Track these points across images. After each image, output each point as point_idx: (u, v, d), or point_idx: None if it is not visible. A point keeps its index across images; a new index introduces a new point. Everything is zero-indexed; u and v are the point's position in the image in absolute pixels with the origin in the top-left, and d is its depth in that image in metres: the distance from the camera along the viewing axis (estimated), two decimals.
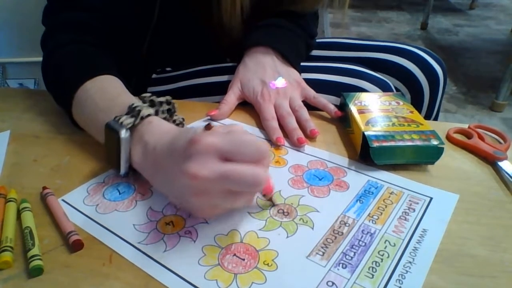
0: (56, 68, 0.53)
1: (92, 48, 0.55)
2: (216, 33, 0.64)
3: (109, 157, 0.43)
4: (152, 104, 0.44)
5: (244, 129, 0.36)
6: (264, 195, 0.40)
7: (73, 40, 0.54)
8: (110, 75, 0.50)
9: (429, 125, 0.49)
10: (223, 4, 0.60)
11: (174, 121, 0.47)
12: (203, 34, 0.67)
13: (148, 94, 0.45)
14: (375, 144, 0.46)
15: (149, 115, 0.41)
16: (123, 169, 0.42)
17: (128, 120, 0.40)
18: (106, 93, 0.47)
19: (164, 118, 0.45)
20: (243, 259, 0.35)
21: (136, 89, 0.50)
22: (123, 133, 0.40)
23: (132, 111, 0.42)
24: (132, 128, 0.41)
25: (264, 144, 0.35)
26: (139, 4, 0.61)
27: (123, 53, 0.59)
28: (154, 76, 0.72)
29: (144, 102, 0.44)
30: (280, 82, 0.58)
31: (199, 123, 0.57)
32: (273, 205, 0.41)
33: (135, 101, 0.43)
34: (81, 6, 0.56)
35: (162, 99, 0.45)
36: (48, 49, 0.55)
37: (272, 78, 0.59)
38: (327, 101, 0.59)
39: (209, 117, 0.57)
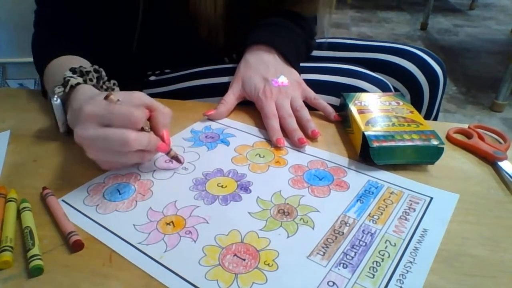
0: (34, 51, 0.62)
1: (65, 37, 0.61)
2: (195, 24, 0.64)
3: (53, 120, 0.51)
4: (81, 74, 0.50)
5: (139, 94, 0.43)
6: (167, 154, 0.46)
7: (52, 35, 0.61)
8: (74, 55, 0.57)
9: (429, 125, 0.49)
10: None
11: (106, 88, 0.52)
12: (188, 28, 0.67)
13: (78, 65, 0.51)
14: (375, 144, 0.46)
15: (78, 83, 0.48)
16: (61, 129, 0.51)
17: (59, 89, 0.48)
18: (62, 68, 0.53)
19: (93, 85, 0.51)
20: (244, 259, 0.35)
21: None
22: (54, 100, 0.49)
23: (64, 82, 0.49)
24: (67, 95, 0.49)
25: (137, 113, 0.41)
26: (123, 2, 0.62)
27: (113, 53, 0.62)
28: (153, 78, 0.72)
29: (74, 72, 0.50)
30: (282, 80, 0.58)
31: (199, 124, 0.57)
32: (179, 162, 0.47)
33: (68, 73, 0.49)
34: (68, 5, 0.61)
35: (89, 68, 0.51)
36: (33, 37, 0.63)
37: (274, 76, 0.59)
38: (327, 104, 0.59)
39: (206, 117, 0.57)
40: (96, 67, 0.52)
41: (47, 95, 0.57)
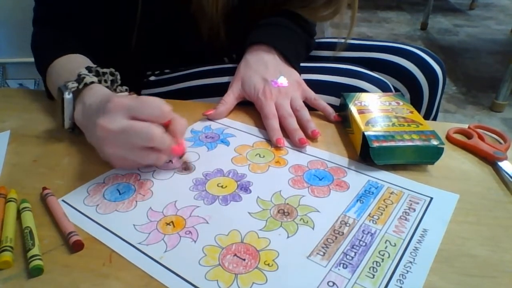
0: (36, 50, 0.62)
1: (68, 36, 0.61)
2: (196, 22, 0.64)
3: (57, 116, 0.51)
4: (97, 74, 0.51)
5: (159, 99, 0.42)
6: (180, 158, 0.46)
7: (54, 34, 0.62)
8: (76, 53, 0.58)
9: (429, 125, 0.49)
10: None
11: (119, 92, 0.53)
12: (189, 29, 0.67)
13: (95, 65, 0.52)
14: (375, 144, 0.46)
15: (92, 82, 0.49)
16: (67, 125, 0.50)
17: (72, 85, 0.48)
18: (67, 67, 0.55)
19: (107, 87, 0.51)
20: (244, 259, 0.35)
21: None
22: (66, 94, 0.48)
23: (78, 78, 0.49)
24: (77, 92, 0.48)
25: (166, 106, 0.42)
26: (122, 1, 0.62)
27: (112, 51, 0.62)
28: (152, 78, 0.72)
29: (90, 71, 0.50)
30: (282, 81, 0.58)
31: (199, 124, 0.57)
32: (187, 168, 0.47)
33: (83, 71, 0.50)
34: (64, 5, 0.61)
35: (106, 70, 0.52)
36: (33, 35, 0.63)
37: (274, 76, 0.59)
38: (327, 105, 0.59)
39: (206, 117, 0.57)
40: (113, 70, 0.52)
41: (51, 96, 0.58)
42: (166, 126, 0.44)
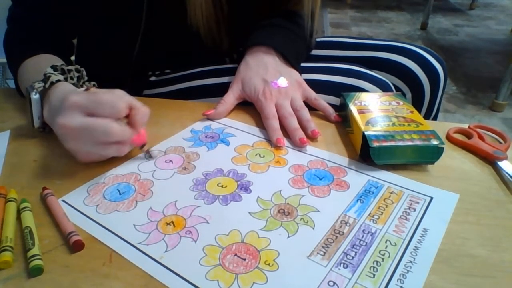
0: (7, 50, 0.62)
1: (40, 37, 0.61)
2: (198, 32, 0.65)
3: (28, 116, 0.51)
4: (63, 72, 0.51)
5: (120, 91, 0.44)
6: (140, 148, 0.48)
7: (27, 34, 0.61)
8: (48, 54, 0.59)
9: (429, 125, 0.49)
10: (189, 6, 0.62)
11: (86, 89, 0.52)
12: (190, 34, 0.67)
13: (60, 63, 0.52)
14: (375, 144, 0.46)
15: (58, 80, 0.49)
16: (36, 124, 0.50)
17: (38, 85, 0.49)
18: (36, 67, 0.55)
19: (74, 84, 0.51)
20: (244, 259, 0.35)
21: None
22: (33, 95, 0.49)
23: (44, 78, 0.49)
24: (44, 91, 0.49)
25: (121, 103, 0.43)
26: (127, 8, 0.62)
27: (114, 57, 0.62)
28: (153, 78, 0.72)
29: (55, 70, 0.51)
30: (282, 82, 0.58)
31: (199, 123, 0.57)
32: (150, 156, 0.48)
33: (49, 70, 0.50)
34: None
35: (71, 67, 0.52)
36: (6, 33, 0.63)
37: (274, 77, 0.59)
38: (327, 105, 0.59)
39: (205, 117, 0.57)
40: (78, 66, 0.53)
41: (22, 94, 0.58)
42: (127, 116, 0.45)
